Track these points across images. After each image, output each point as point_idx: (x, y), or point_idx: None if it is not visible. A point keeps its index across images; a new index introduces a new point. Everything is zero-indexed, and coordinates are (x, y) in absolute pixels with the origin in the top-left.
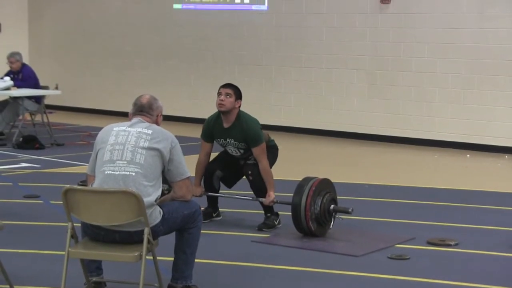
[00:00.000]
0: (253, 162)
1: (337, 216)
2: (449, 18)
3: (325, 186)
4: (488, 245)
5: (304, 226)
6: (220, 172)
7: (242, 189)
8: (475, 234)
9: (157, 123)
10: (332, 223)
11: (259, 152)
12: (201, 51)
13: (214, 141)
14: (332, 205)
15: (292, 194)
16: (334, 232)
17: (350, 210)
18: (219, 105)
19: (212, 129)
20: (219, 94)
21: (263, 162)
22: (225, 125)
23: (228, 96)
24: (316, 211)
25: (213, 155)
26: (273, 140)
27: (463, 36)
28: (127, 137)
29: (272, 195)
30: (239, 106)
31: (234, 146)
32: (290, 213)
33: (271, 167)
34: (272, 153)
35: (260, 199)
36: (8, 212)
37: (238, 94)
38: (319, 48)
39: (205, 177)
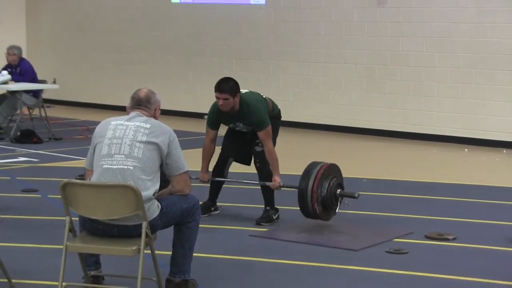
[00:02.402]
0: (261, 150)
1: (343, 200)
2: (448, 13)
3: (332, 171)
4: (486, 239)
5: (310, 208)
6: (231, 159)
7: (248, 177)
8: (473, 229)
9: (155, 116)
10: (338, 208)
11: (264, 135)
12: (199, 45)
13: (219, 127)
14: (339, 190)
15: (290, 188)
16: (332, 226)
17: (356, 195)
18: (221, 107)
19: (218, 116)
20: (216, 97)
21: (269, 146)
22: (231, 113)
23: (226, 100)
24: (322, 194)
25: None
26: (277, 106)
27: (461, 30)
28: (125, 131)
29: (277, 179)
30: (239, 97)
31: (244, 128)
32: (296, 198)
33: (274, 143)
34: (274, 126)
35: (267, 183)
36: (6, 206)
37: (234, 93)
38: (317, 43)
39: (217, 164)
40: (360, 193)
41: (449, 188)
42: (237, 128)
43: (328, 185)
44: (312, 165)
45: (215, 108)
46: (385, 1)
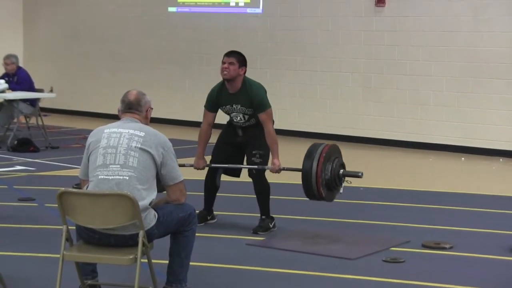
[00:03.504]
0: (259, 161)
1: (345, 180)
2: (444, 21)
3: (334, 152)
4: (483, 248)
5: (315, 192)
6: (222, 169)
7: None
8: (470, 237)
9: (146, 117)
10: (341, 188)
11: (265, 118)
12: (196, 54)
13: (219, 109)
14: (342, 170)
15: (285, 197)
16: (329, 235)
17: (360, 174)
18: (223, 72)
19: (218, 96)
20: (222, 62)
21: (269, 127)
22: (231, 91)
23: (231, 65)
24: (326, 177)
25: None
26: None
27: (457, 39)
28: (119, 140)
29: (277, 162)
30: (244, 73)
31: (240, 112)
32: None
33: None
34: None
35: (266, 167)
36: (3, 215)
37: (242, 61)
38: (314, 51)
39: (208, 173)
40: (357, 201)
41: (445, 197)
42: (234, 118)
43: (331, 167)
44: (314, 147)
45: (214, 89)
46: (383, 5)
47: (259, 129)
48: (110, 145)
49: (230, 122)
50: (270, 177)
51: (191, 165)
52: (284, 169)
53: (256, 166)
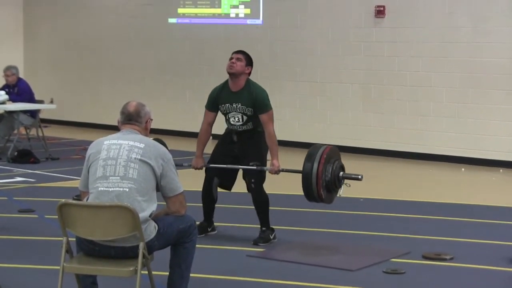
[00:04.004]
0: (257, 166)
1: (345, 182)
2: (444, 33)
3: (334, 154)
4: (483, 259)
5: (315, 194)
6: (217, 180)
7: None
8: (470, 248)
9: (146, 128)
10: (341, 190)
11: (266, 119)
12: (196, 65)
13: (218, 111)
14: (341, 172)
15: (286, 208)
16: (329, 246)
17: (360, 177)
18: (230, 67)
19: (218, 94)
20: (230, 58)
21: (270, 128)
22: (233, 90)
23: (239, 60)
24: (327, 179)
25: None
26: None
27: (457, 50)
28: (119, 151)
29: (276, 163)
30: (249, 73)
31: (239, 111)
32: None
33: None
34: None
35: (265, 168)
36: (3, 226)
37: (249, 61)
38: (314, 62)
39: (204, 186)
40: (357, 212)
41: (446, 208)
42: (231, 118)
43: (331, 168)
44: (314, 149)
45: (216, 88)
46: (383, 16)
47: (255, 139)
48: (110, 157)
49: (226, 132)
50: (269, 188)
51: (189, 165)
52: (283, 170)
53: (255, 167)
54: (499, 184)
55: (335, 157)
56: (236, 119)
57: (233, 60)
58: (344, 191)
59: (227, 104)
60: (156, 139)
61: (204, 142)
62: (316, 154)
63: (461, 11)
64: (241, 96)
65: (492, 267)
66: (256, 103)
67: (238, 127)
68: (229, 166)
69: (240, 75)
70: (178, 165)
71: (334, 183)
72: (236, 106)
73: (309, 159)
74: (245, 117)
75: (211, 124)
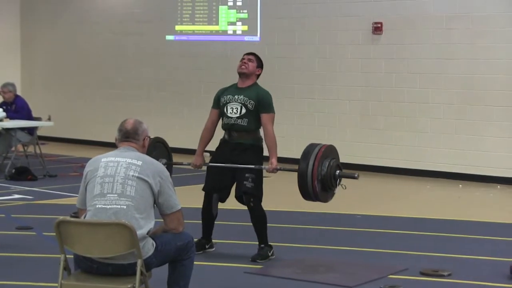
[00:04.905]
0: (252, 185)
1: (341, 183)
2: (441, 49)
3: (331, 152)
4: (481, 275)
5: (309, 187)
6: (217, 195)
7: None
8: (468, 265)
9: (144, 146)
10: (336, 189)
11: (267, 119)
12: (194, 82)
13: (219, 108)
14: (338, 171)
15: (284, 225)
16: (327, 262)
17: (356, 175)
18: (241, 67)
19: (223, 92)
20: (242, 59)
21: (269, 128)
22: (240, 86)
23: (250, 61)
24: (322, 173)
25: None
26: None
27: (455, 66)
28: (116, 169)
29: (274, 162)
30: (259, 75)
31: (240, 102)
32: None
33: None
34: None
35: (263, 167)
36: (1, 243)
37: (259, 62)
38: (311, 79)
39: (204, 204)
40: (355, 229)
41: (443, 224)
42: (229, 105)
43: (328, 164)
44: (311, 147)
45: (223, 88)
46: (380, 33)
47: (248, 150)
48: (107, 174)
49: (221, 141)
50: (267, 205)
51: (189, 164)
52: (280, 169)
53: (253, 166)
54: (496, 200)
55: (332, 156)
56: (234, 110)
57: (245, 61)
58: (342, 208)
59: (229, 96)
60: (156, 139)
61: (205, 140)
62: (312, 151)
63: (458, 28)
64: (246, 91)
65: (490, 283)
66: (261, 100)
67: (233, 120)
68: (228, 165)
69: (251, 75)
70: (178, 163)
71: (330, 181)
72: (238, 98)
73: (304, 157)
74: (243, 109)
75: (215, 123)
